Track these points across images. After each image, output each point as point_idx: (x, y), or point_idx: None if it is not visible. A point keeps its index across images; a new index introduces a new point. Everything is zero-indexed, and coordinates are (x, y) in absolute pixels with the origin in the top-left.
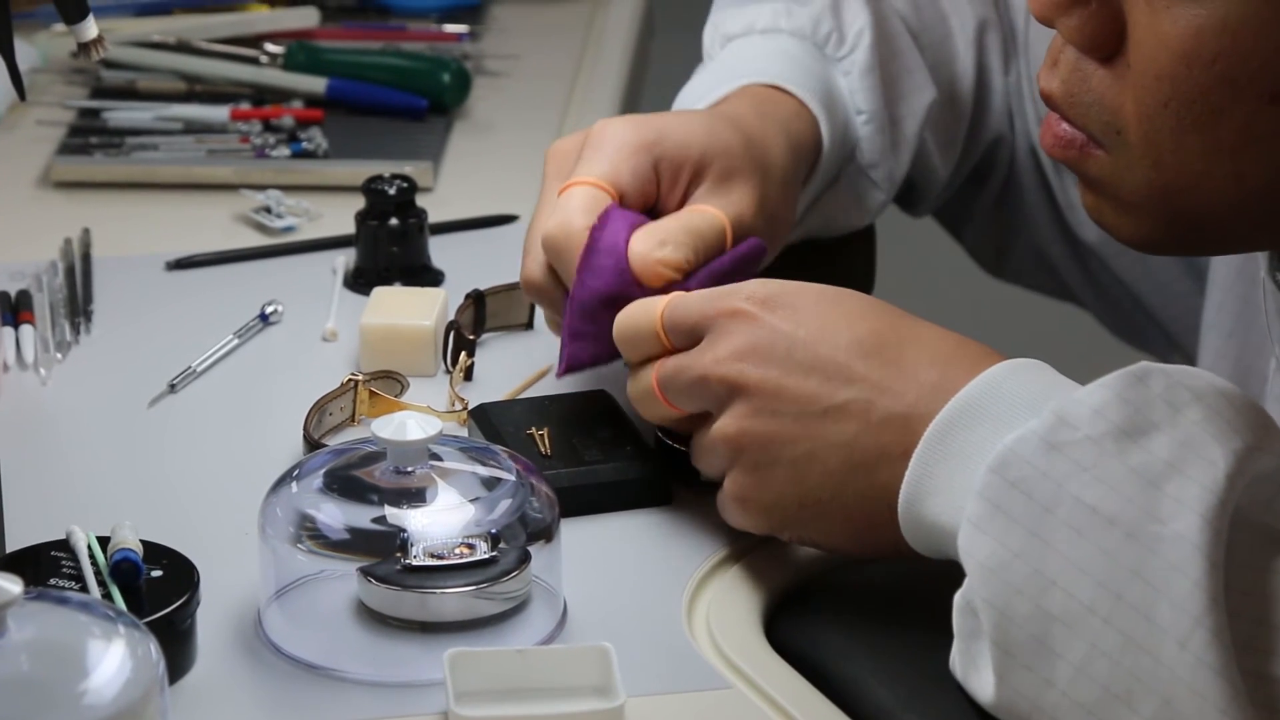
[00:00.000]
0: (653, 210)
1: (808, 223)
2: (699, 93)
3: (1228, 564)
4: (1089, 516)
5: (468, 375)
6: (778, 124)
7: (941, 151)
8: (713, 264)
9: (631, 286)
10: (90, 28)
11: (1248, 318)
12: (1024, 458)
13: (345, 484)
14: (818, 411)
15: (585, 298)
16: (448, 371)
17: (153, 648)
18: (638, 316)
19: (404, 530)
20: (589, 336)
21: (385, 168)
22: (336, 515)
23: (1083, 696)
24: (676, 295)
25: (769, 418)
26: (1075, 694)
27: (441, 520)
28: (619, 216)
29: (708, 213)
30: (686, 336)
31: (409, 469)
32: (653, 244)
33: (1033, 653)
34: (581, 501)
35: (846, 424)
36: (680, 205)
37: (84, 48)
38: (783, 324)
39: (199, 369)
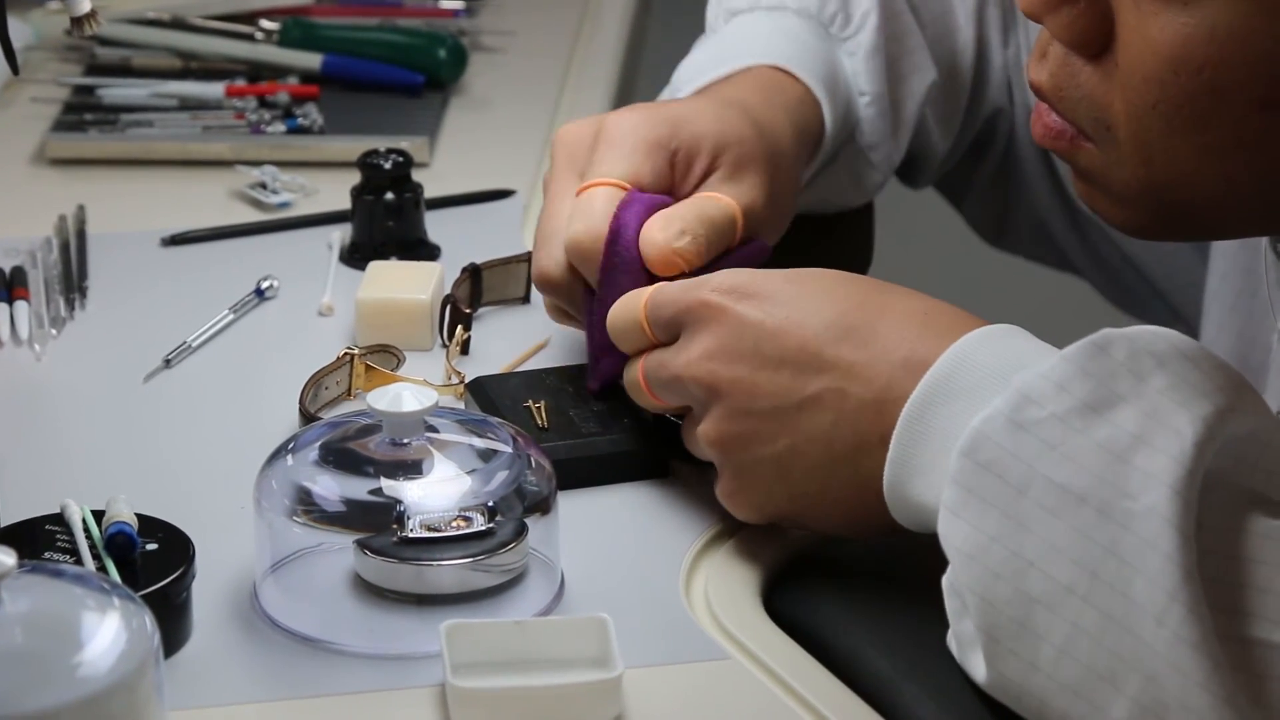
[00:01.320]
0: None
1: (803, 199)
2: (701, 66)
3: (1206, 528)
4: (1060, 496)
5: (464, 349)
6: (785, 111)
7: (941, 127)
8: (718, 263)
9: None
10: (84, 2)
11: (1251, 288)
12: (992, 439)
13: (341, 456)
14: (792, 405)
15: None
16: (444, 345)
17: (148, 620)
18: (625, 310)
19: (400, 502)
20: (617, 351)
21: (381, 143)
22: (332, 488)
23: (1067, 678)
24: (657, 288)
25: (744, 418)
26: (1059, 676)
27: (437, 492)
28: (634, 221)
29: (720, 201)
30: (665, 329)
31: (405, 441)
32: (673, 234)
33: (1015, 636)
34: (578, 474)
35: (822, 415)
36: (692, 191)
37: (77, 22)
38: (751, 314)
39: (194, 344)
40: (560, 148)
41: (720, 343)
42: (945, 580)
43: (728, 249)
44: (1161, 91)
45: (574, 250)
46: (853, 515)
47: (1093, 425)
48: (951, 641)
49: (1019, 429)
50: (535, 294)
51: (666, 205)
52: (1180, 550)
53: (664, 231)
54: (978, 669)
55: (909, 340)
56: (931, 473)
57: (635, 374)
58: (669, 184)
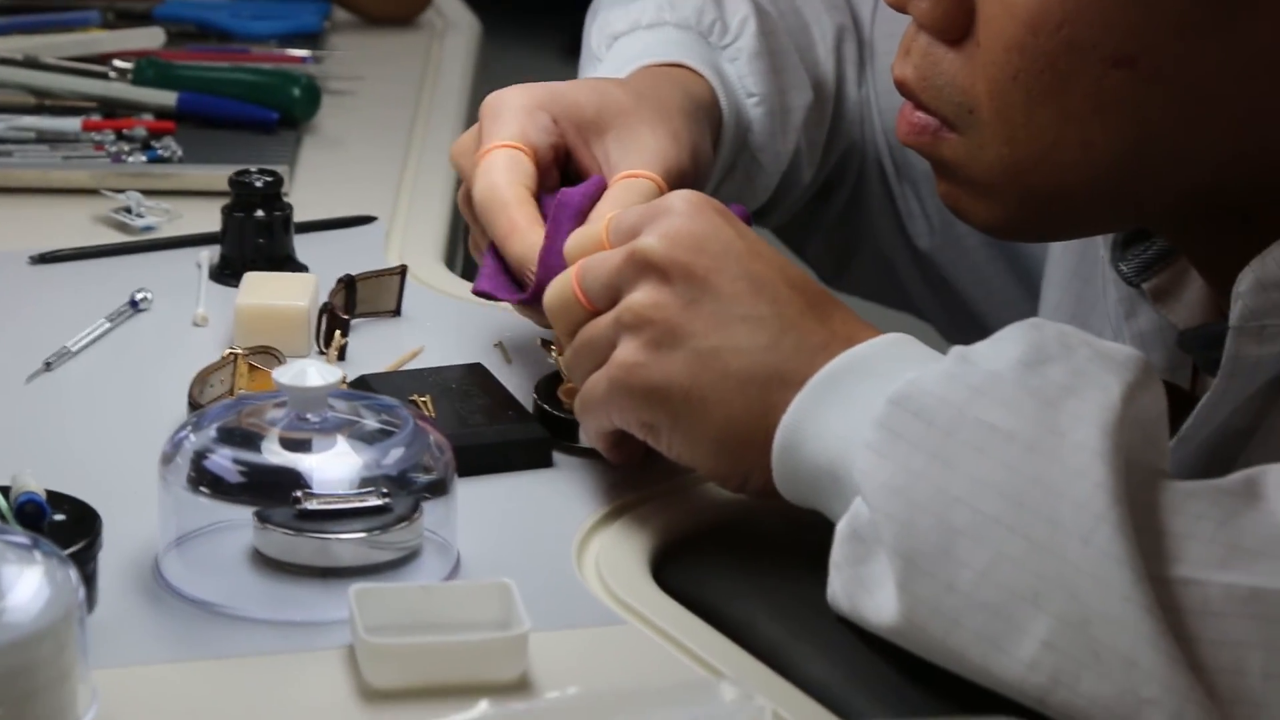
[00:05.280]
0: (575, 175)
1: None
2: None
3: (1128, 483)
4: (989, 434)
5: (341, 355)
6: (671, 82)
7: (809, 155)
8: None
9: None
10: None
11: (1082, 316)
12: (925, 389)
13: (244, 431)
14: (737, 315)
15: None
16: (321, 352)
17: (72, 573)
18: (558, 287)
19: (300, 475)
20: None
21: None
22: (234, 461)
23: (986, 599)
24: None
25: (685, 304)
26: (979, 597)
27: (337, 466)
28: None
29: (638, 182)
30: (627, 234)
31: (308, 416)
32: None
33: (936, 561)
34: (466, 462)
35: (760, 335)
36: (597, 167)
37: None
38: (726, 226)
39: (74, 349)
40: (460, 159)
41: (692, 230)
42: (843, 525)
43: None
44: (1022, 59)
45: (478, 207)
46: (730, 442)
47: (1024, 376)
48: (836, 592)
49: (952, 379)
50: (406, 306)
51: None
52: (1110, 478)
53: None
54: (881, 606)
55: (853, 325)
56: (834, 431)
57: (568, 278)
58: (560, 141)
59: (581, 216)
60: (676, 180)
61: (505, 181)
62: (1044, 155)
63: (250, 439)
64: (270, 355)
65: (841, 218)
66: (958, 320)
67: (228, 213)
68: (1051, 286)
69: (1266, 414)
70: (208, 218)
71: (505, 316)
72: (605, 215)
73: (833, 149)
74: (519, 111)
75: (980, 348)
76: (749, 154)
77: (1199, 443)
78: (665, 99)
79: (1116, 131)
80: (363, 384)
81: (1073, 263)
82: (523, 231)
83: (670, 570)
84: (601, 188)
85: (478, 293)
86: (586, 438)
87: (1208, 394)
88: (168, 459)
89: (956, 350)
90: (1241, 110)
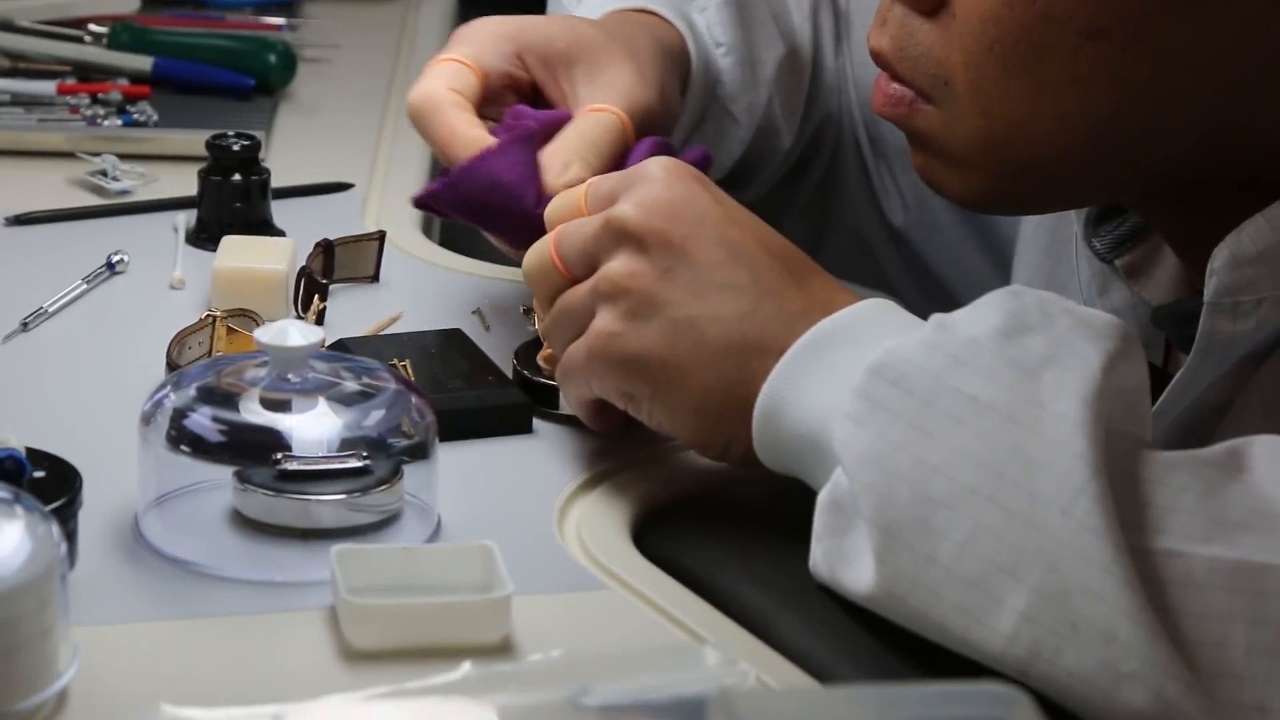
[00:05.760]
0: (541, 102)
1: None
2: None
3: (1109, 455)
4: (969, 405)
5: (319, 320)
6: (642, 26)
7: (786, 118)
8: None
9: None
10: None
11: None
12: (904, 358)
13: (225, 391)
14: (714, 283)
15: (478, 184)
16: (299, 316)
17: (53, 529)
18: (537, 252)
19: (280, 436)
20: (454, 203)
21: None
22: (214, 420)
23: (966, 571)
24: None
25: (663, 272)
26: (958, 569)
27: (317, 427)
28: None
29: (603, 116)
30: (605, 201)
31: (288, 377)
32: (558, 168)
33: (915, 533)
34: (446, 427)
35: (737, 303)
36: (565, 100)
37: None
38: (703, 193)
39: (51, 310)
40: None
41: (668, 198)
42: (824, 495)
43: (626, 152)
44: (998, 29)
45: (411, 110)
46: (709, 412)
47: (1004, 346)
48: (817, 562)
49: (931, 348)
50: (385, 273)
51: (559, 120)
52: (1090, 449)
53: (550, 173)
54: (860, 577)
55: (832, 291)
56: (812, 400)
57: (546, 245)
58: (520, 73)
59: (538, 138)
60: (642, 117)
61: (442, 87)
62: (1019, 127)
63: (230, 399)
64: (248, 318)
65: (816, 194)
66: (932, 299)
67: (204, 176)
68: (1023, 265)
69: (1240, 390)
70: (184, 182)
71: (484, 283)
72: (566, 147)
73: (811, 117)
74: (483, 35)
75: (960, 315)
76: (719, 105)
77: (1172, 420)
78: (635, 41)
79: (1092, 104)
80: (341, 348)
81: (1044, 242)
82: (462, 135)
83: (651, 537)
84: (566, 119)
85: (416, 203)
86: (567, 405)
87: (1181, 371)
88: (148, 418)
89: (936, 317)
90: (1217, 84)
